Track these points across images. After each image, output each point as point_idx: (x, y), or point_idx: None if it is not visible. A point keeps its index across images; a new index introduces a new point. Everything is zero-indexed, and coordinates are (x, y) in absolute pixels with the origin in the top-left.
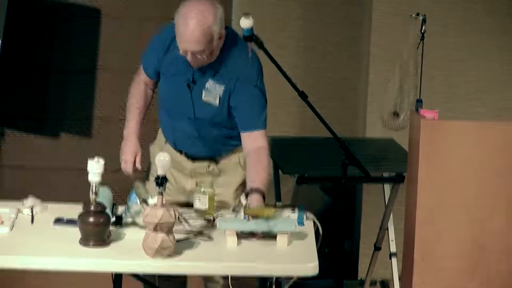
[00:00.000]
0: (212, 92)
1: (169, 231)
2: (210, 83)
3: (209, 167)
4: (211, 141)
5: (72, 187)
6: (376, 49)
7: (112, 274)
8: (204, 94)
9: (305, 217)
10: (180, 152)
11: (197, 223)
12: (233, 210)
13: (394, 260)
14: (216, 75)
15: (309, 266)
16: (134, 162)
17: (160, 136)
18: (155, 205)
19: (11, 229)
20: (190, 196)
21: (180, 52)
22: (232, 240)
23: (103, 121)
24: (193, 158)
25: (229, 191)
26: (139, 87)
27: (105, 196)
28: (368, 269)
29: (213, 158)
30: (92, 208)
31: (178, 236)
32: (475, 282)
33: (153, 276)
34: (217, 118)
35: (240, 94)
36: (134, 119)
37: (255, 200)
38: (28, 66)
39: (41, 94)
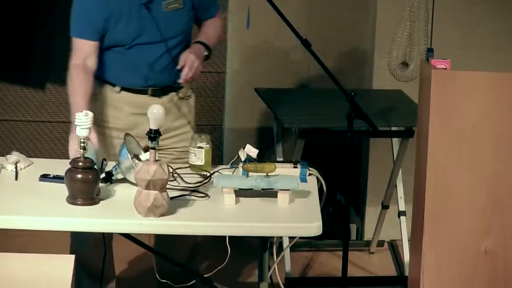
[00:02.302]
0: None
1: (162, 188)
2: None
3: (177, 94)
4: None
5: (59, 141)
6: None
7: (102, 234)
8: (164, 5)
9: (308, 173)
10: (143, 91)
11: (192, 179)
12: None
13: (403, 219)
14: None
15: (312, 226)
16: None
17: (110, 95)
18: (148, 160)
19: None
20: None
21: None
22: (230, 198)
23: None
24: (161, 91)
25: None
26: (85, 76)
27: (94, 151)
28: (375, 229)
29: (175, 88)
30: (80, 164)
31: (172, 193)
32: (489, 240)
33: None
34: (183, 24)
35: None
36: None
37: (196, 47)
38: (11, 12)
39: (26, 42)
